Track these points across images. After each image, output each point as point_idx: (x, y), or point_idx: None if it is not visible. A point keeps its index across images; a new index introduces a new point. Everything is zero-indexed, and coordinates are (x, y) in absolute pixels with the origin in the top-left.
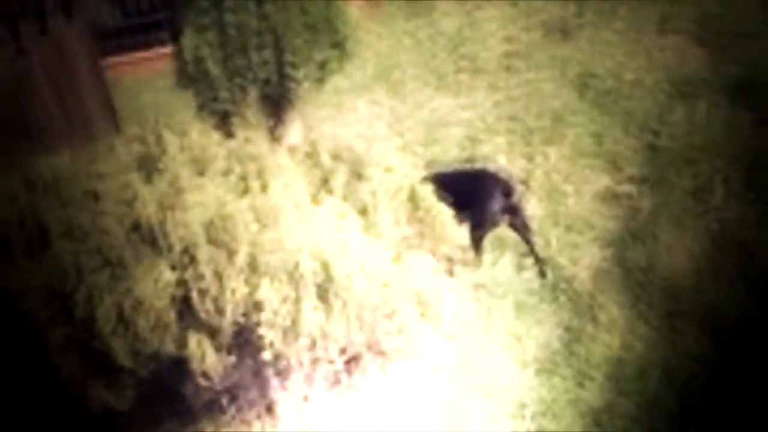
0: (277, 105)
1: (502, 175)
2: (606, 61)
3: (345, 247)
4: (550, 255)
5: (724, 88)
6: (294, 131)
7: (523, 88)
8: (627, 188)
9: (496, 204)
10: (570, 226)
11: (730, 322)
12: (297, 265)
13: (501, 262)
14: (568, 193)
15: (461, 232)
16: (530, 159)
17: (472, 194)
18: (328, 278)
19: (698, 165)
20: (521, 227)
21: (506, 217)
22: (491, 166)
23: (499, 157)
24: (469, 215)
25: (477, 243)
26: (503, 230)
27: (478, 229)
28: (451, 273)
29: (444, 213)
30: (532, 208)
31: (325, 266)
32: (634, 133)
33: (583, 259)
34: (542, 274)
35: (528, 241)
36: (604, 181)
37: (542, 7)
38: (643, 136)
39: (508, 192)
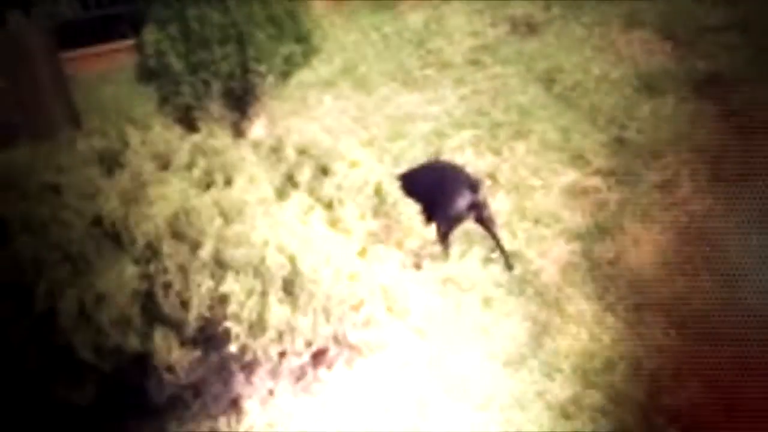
0: (241, 99)
1: (469, 170)
2: (573, 56)
3: (311, 241)
4: (518, 249)
5: (691, 82)
6: (259, 125)
7: (489, 83)
8: (594, 182)
9: (463, 200)
10: (537, 219)
11: (697, 313)
12: (263, 258)
13: (468, 256)
14: (536, 187)
15: (428, 227)
16: (497, 153)
17: (438, 189)
18: (294, 271)
19: (665, 158)
20: (488, 222)
21: (473, 213)
22: (457, 162)
23: (466, 151)
24: (435, 210)
25: (444, 237)
26: (471, 224)
27: (445, 224)
28: (418, 267)
29: (410, 208)
30: (500, 202)
31: (291, 260)
32: (601, 127)
33: (550, 253)
34: (509, 267)
35: (494, 236)
36: (571, 175)
37: (509, 2)
38: (610, 129)
39: (474, 187)
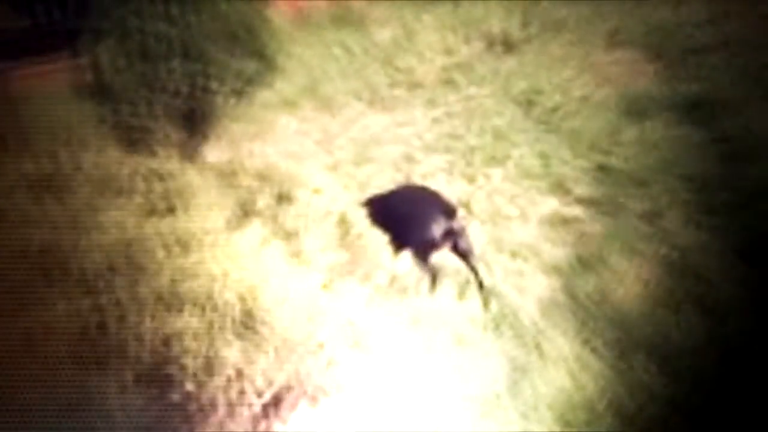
0: (192, 119)
1: (443, 195)
2: (553, 77)
3: (268, 275)
4: (494, 283)
5: (677, 106)
6: (214, 148)
7: (463, 104)
8: (576, 211)
9: (438, 226)
10: (515, 252)
11: (680, 351)
12: (219, 292)
13: (441, 290)
14: (513, 216)
15: (398, 259)
16: (472, 180)
17: (410, 216)
18: (252, 306)
19: (650, 187)
20: (465, 252)
21: (448, 241)
22: (429, 187)
23: (438, 177)
24: (407, 239)
25: (419, 269)
26: (443, 256)
27: (419, 254)
28: (386, 302)
29: (378, 238)
30: (475, 233)
31: (249, 293)
32: (582, 153)
33: (529, 288)
34: (485, 303)
35: (472, 268)
36: (551, 204)
37: (484, 17)
38: (592, 156)
39: (450, 213)
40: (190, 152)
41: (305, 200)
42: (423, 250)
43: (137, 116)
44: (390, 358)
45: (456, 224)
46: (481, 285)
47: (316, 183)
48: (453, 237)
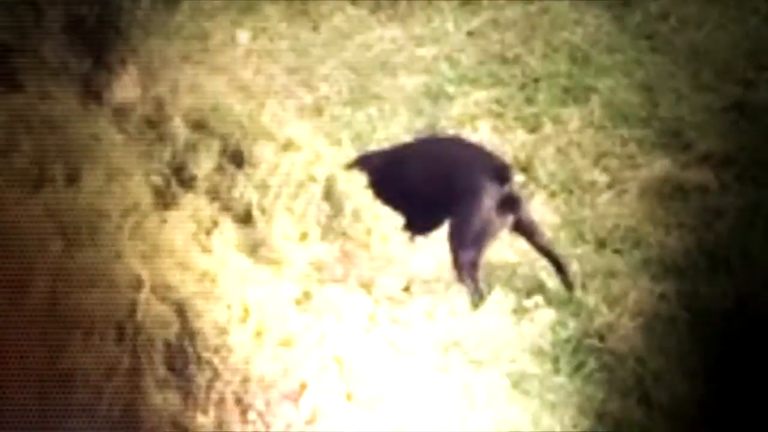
0: (95, 37)
1: (489, 150)
2: None
3: (213, 280)
4: (571, 293)
5: None
6: (129, 83)
7: (521, 7)
8: (699, 176)
9: (489, 196)
10: (603, 241)
11: None
12: (130, 310)
13: (487, 303)
14: (600, 184)
15: (416, 252)
16: (534, 128)
17: (444, 184)
18: (184, 333)
19: None
20: (529, 228)
21: (507, 216)
22: (467, 138)
23: (480, 125)
24: (433, 221)
25: (468, 270)
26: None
27: (467, 243)
28: (396, 326)
29: (385, 221)
30: (539, 210)
31: (178, 312)
32: (709, 84)
33: (626, 298)
34: (568, 286)
35: (542, 247)
36: (660, 165)
37: None
38: (725, 88)
39: (503, 173)
40: (96, 89)
41: (270, 161)
42: (472, 240)
43: (17, 34)
44: (402, 415)
45: (513, 191)
46: (558, 264)
47: (288, 134)
48: (513, 209)
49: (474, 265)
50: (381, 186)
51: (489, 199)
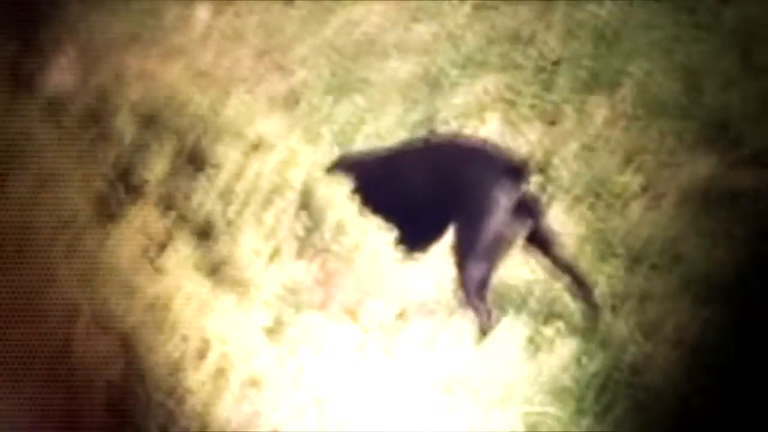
0: (24, 13)
1: (501, 148)
2: None
3: (164, 305)
4: (597, 319)
5: None
6: (62, 67)
7: None
8: (751, 177)
9: (502, 199)
10: (637, 256)
11: None
12: (65, 341)
13: (498, 331)
14: (632, 188)
15: (412, 271)
16: (553, 120)
17: (444, 188)
18: (131, 369)
19: None
20: (548, 243)
21: (525, 225)
22: (473, 136)
23: (489, 118)
24: (433, 233)
25: (476, 290)
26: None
27: (474, 258)
28: (389, 355)
29: (375, 235)
30: (560, 220)
31: (122, 345)
32: (763, 66)
33: (664, 325)
34: (592, 306)
35: (559, 262)
36: (704, 163)
37: None
38: None
39: (518, 172)
40: (25, 75)
41: (236, 163)
42: (482, 252)
43: None
44: None
45: (530, 193)
46: (578, 281)
47: (257, 129)
48: (531, 215)
49: (483, 284)
50: (370, 191)
51: (502, 202)
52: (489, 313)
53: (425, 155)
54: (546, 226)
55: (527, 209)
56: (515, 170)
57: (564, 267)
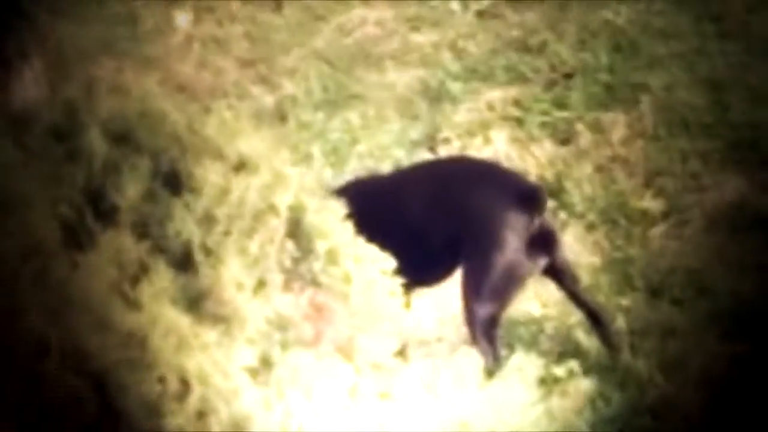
0: None
1: (513, 171)
2: None
3: (139, 342)
4: (616, 357)
5: None
6: (28, 80)
7: None
8: None
9: (515, 232)
10: (658, 288)
11: None
12: (32, 381)
13: (506, 371)
14: (653, 214)
15: (412, 305)
16: (566, 138)
17: (452, 218)
18: (104, 412)
19: None
20: (561, 271)
21: (540, 260)
22: (477, 158)
23: (495, 136)
24: (439, 267)
25: (483, 329)
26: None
27: (484, 295)
28: (387, 398)
29: (370, 264)
30: (573, 248)
31: (94, 385)
32: None
33: (688, 363)
34: (611, 347)
35: (576, 296)
36: (732, 186)
37: None
38: None
39: (534, 202)
40: None
41: (217, 186)
42: (484, 288)
43: None
44: None
45: (545, 223)
46: (596, 317)
47: (240, 149)
48: (547, 250)
49: (493, 323)
50: (367, 218)
51: (515, 235)
52: (495, 352)
53: (431, 180)
54: (562, 257)
55: (544, 243)
56: (530, 199)
57: (578, 301)
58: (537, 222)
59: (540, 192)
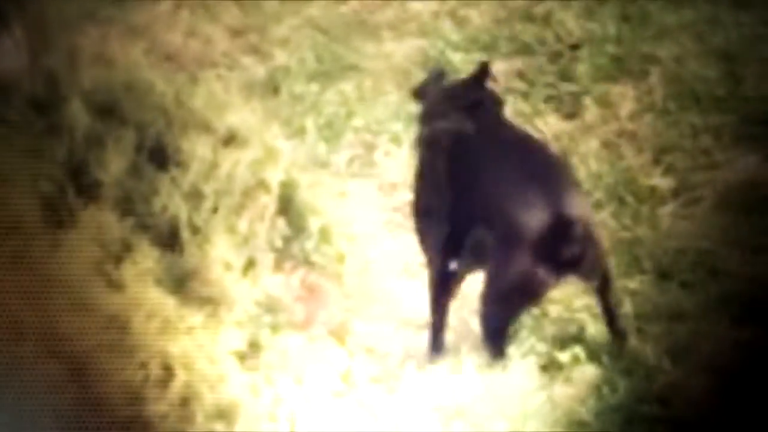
0: None
1: (540, 142)
2: None
3: (121, 325)
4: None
5: None
6: (7, 48)
7: None
8: None
9: (536, 215)
10: (667, 270)
11: None
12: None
13: (514, 363)
14: (661, 191)
15: (407, 286)
16: (572, 113)
17: (457, 198)
18: (83, 398)
19: None
20: (593, 267)
21: (566, 250)
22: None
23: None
24: (449, 253)
25: (500, 327)
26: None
27: (494, 302)
28: (380, 383)
29: (366, 242)
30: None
31: (73, 370)
32: None
33: (698, 349)
34: (618, 333)
35: (603, 289)
36: (745, 162)
37: None
38: None
39: (560, 184)
40: None
41: (205, 161)
42: (497, 293)
43: None
44: None
45: (575, 208)
46: (617, 331)
47: (230, 122)
48: (570, 240)
49: (500, 334)
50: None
51: (536, 217)
52: (502, 352)
53: (517, 149)
54: (593, 252)
55: (570, 232)
56: (555, 177)
57: (604, 305)
58: (568, 203)
59: (567, 168)
